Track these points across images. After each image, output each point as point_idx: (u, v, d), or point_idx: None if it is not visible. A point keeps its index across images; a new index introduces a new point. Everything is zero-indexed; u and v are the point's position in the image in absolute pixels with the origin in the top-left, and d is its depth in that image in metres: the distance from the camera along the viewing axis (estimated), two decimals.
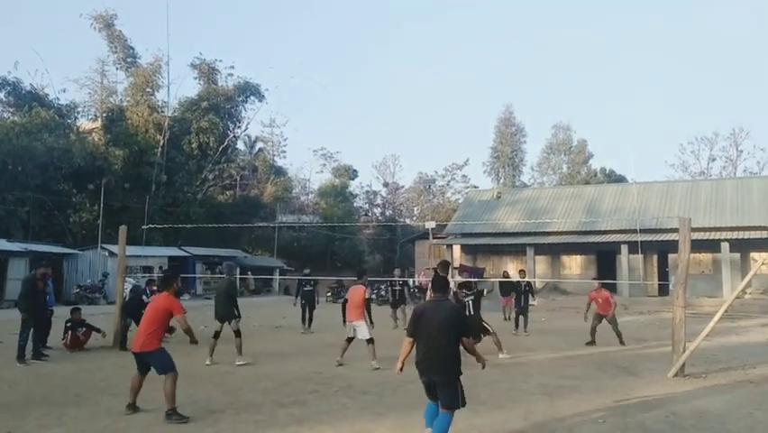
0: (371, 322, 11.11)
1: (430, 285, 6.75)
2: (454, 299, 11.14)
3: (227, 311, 11.35)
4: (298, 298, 17.93)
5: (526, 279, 17.65)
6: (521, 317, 16.47)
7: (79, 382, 9.53)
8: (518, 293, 16.86)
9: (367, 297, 11.13)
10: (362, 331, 10.88)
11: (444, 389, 5.70)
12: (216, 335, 11.32)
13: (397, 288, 18.09)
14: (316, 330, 16.72)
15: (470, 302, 11.53)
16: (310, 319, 17.14)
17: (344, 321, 11.20)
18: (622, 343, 13.96)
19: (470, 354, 6.02)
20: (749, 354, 12.38)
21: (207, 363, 10.98)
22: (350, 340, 11.04)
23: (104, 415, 7.39)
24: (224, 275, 12.58)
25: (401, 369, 6.09)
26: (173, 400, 7.10)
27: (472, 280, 14.00)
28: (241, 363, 10.99)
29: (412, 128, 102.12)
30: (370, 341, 10.80)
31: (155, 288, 13.36)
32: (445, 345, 5.70)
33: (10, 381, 9.69)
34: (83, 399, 8.25)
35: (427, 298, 8.03)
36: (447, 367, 5.70)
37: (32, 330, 11.41)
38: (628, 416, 7.36)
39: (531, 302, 17.37)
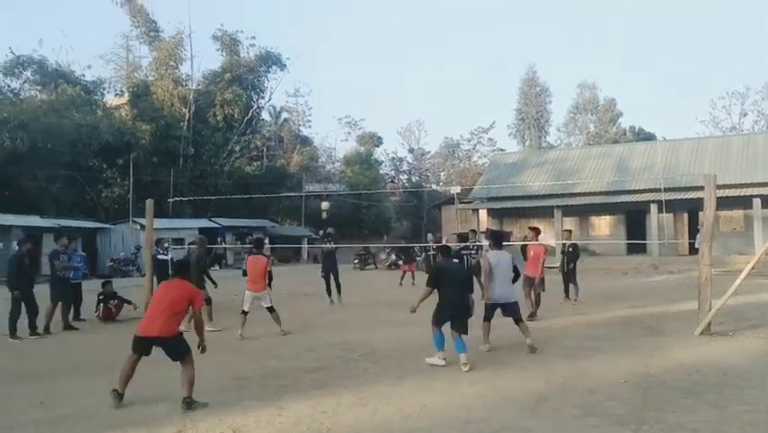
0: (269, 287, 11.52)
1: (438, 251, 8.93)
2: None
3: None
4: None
5: (571, 240, 15.86)
6: (570, 285, 14.74)
7: (110, 352, 9.70)
8: (564, 255, 15.12)
9: (269, 269, 11.37)
10: (266, 300, 11.12)
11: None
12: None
13: (431, 253, 19.05)
14: (347, 301, 15.57)
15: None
16: (337, 288, 15.64)
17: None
18: (532, 314, 11.74)
19: None
20: None
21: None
22: (246, 313, 11.00)
23: (134, 383, 7.53)
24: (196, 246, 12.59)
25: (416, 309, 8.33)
26: (192, 386, 6.48)
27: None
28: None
29: (437, 93, 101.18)
30: (272, 309, 11.09)
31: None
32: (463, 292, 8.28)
33: (40, 352, 9.99)
34: (113, 369, 8.43)
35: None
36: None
37: (23, 306, 11.15)
38: (650, 375, 7.34)
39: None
